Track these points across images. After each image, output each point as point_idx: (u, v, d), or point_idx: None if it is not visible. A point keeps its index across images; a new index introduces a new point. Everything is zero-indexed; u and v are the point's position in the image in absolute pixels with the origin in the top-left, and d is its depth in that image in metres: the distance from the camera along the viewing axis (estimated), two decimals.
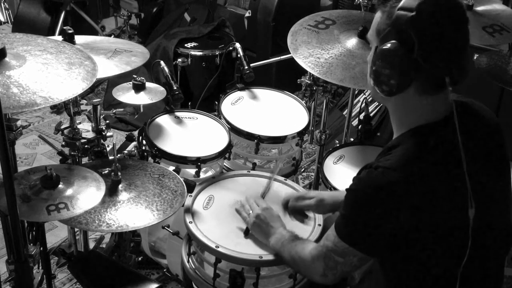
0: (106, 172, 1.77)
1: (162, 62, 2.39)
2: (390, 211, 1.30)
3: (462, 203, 1.30)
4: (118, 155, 1.98)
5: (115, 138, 3.21)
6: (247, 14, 3.93)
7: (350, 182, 1.39)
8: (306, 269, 1.53)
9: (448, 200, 1.31)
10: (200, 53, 3.46)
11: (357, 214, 1.36)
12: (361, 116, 2.48)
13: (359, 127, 2.40)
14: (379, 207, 1.31)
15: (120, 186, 1.78)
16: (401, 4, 1.29)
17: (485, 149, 1.40)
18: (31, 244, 1.66)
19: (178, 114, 2.34)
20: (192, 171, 2.16)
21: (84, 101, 3.25)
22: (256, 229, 1.74)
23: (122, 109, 2.18)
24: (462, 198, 1.29)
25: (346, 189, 1.39)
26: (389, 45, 1.30)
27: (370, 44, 1.42)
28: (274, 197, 1.93)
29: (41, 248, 1.70)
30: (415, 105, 1.36)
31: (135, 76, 2.21)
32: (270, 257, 1.69)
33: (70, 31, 2.04)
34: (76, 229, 2.30)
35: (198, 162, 2.09)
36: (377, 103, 3.31)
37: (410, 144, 1.34)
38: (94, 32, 4.24)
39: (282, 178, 2.07)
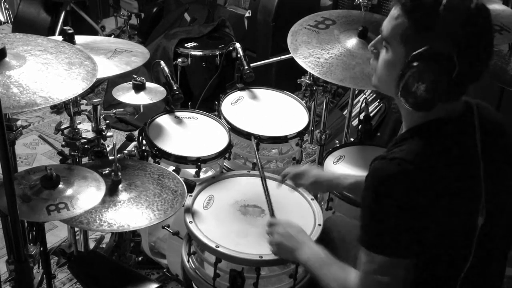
0: (106, 172, 1.77)
1: (162, 62, 2.39)
2: (408, 203, 1.23)
3: (473, 208, 1.27)
4: (118, 155, 1.98)
5: (115, 138, 3.21)
6: (247, 14, 3.93)
7: None
8: None
9: (460, 202, 1.28)
10: (200, 53, 3.46)
11: (379, 215, 1.27)
12: (361, 116, 2.48)
13: (359, 127, 2.40)
14: (398, 199, 1.24)
15: (120, 186, 1.78)
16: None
17: (500, 150, 1.37)
18: (31, 244, 1.66)
19: (178, 114, 2.34)
20: (192, 171, 2.16)
21: (84, 101, 3.25)
22: (282, 249, 1.64)
23: (122, 109, 2.18)
24: (475, 203, 1.27)
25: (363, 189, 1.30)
26: (429, 63, 1.22)
27: (382, 42, 1.33)
28: (279, 204, 1.89)
29: (41, 248, 1.69)
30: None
31: (135, 76, 2.21)
32: (270, 257, 1.68)
33: (70, 31, 2.04)
34: (76, 229, 2.30)
35: (198, 162, 2.09)
36: (377, 103, 3.31)
37: (425, 138, 1.29)
38: (94, 32, 4.24)
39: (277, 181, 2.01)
